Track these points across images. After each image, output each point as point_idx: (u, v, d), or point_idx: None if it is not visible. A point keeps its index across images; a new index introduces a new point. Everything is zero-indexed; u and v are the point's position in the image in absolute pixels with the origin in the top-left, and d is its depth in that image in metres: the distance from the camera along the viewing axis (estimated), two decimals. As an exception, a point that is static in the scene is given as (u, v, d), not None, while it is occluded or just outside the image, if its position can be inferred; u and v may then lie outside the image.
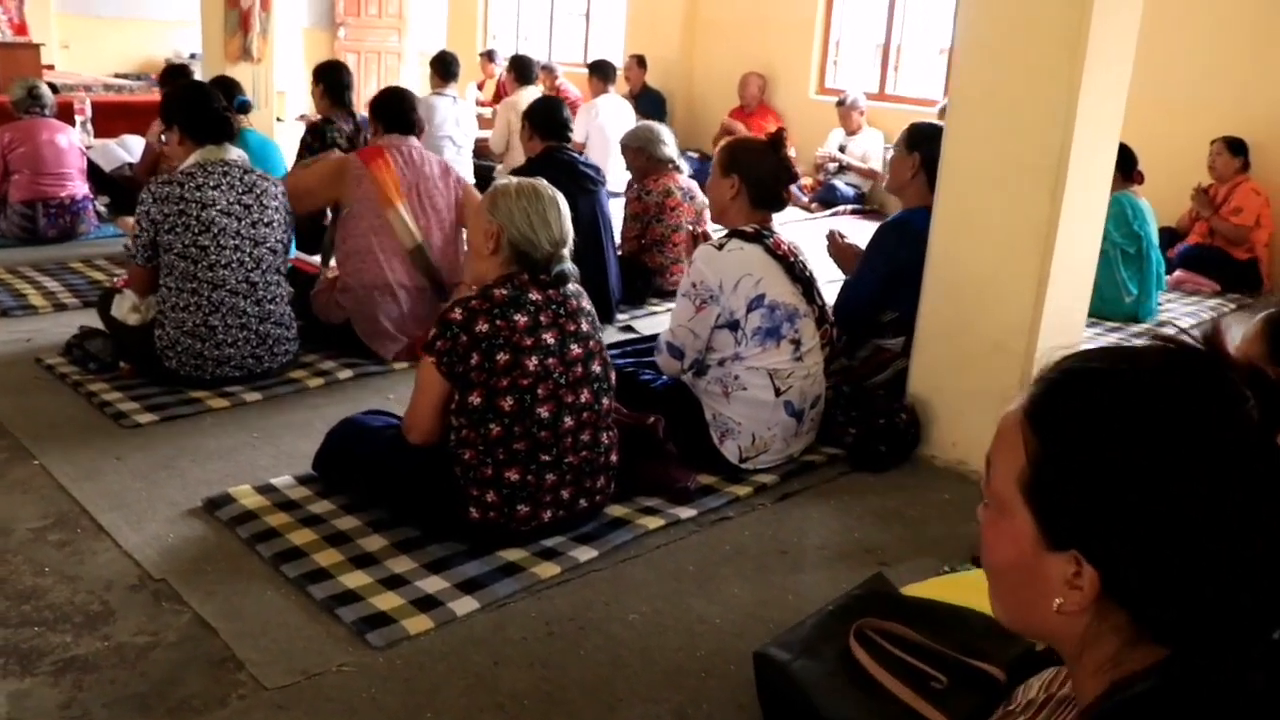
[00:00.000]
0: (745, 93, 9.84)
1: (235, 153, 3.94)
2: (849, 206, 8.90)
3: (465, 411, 2.76)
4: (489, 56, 11.68)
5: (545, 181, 2.94)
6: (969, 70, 3.57)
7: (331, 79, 5.85)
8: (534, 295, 2.81)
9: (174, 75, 6.68)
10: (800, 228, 8.24)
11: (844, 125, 9.06)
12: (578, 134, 8.98)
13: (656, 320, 5.32)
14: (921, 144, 3.94)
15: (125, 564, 2.72)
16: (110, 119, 7.67)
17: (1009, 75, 3.42)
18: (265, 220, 3.90)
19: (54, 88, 6.59)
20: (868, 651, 2.31)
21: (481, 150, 8.40)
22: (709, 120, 10.17)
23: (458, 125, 7.65)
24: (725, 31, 10.37)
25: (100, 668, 2.31)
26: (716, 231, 3.71)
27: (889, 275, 3.87)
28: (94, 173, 6.52)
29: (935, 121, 4.11)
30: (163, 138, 4.13)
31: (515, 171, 4.91)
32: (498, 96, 11.23)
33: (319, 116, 5.92)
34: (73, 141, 6.16)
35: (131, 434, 3.51)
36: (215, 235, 3.77)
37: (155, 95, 8.63)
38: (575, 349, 2.85)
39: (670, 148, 5.58)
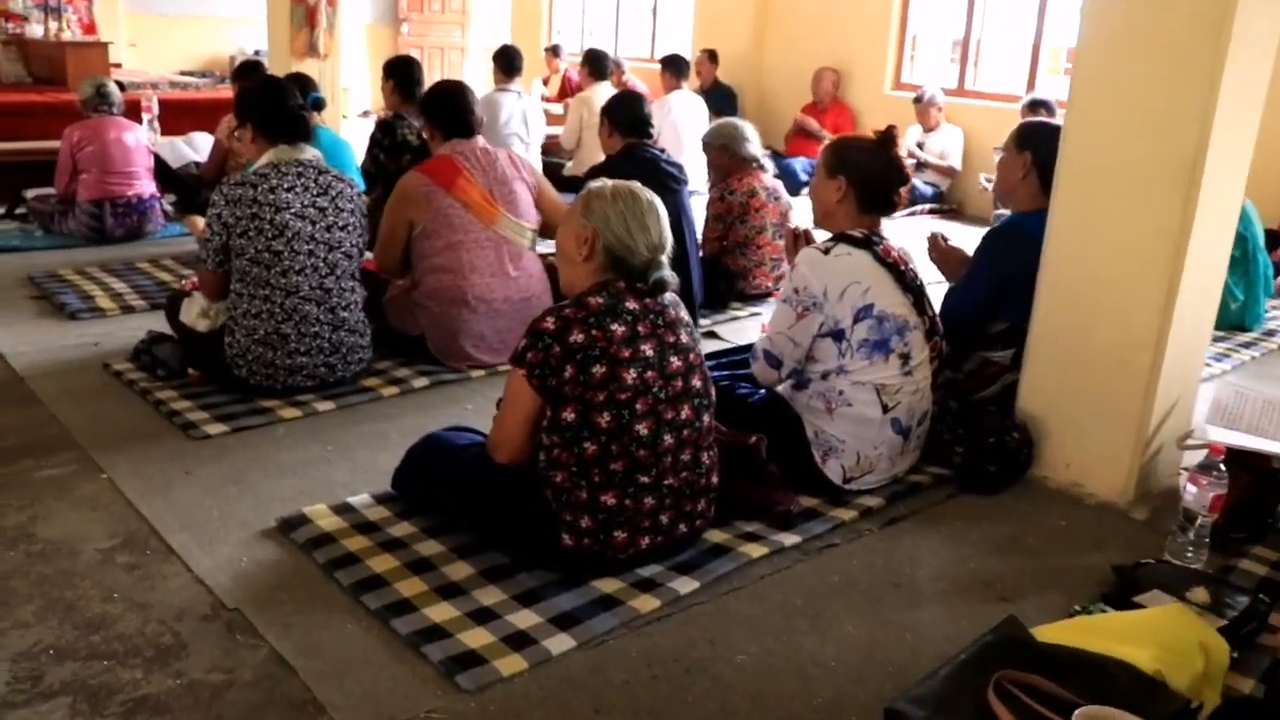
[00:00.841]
0: (819, 88, 9.58)
1: (310, 152, 3.77)
2: (927, 205, 8.63)
3: (558, 429, 2.56)
4: (554, 51, 11.52)
5: (640, 185, 2.73)
6: (1095, 60, 3.29)
7: (402, 74, 5.69)
8: (631, 304, 2.61)
9: (246, 72, 6.54)
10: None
11: (921, 122, 8.77)
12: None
13: (739, 325, 5.10)
14: (1034, 144, 3.68)
15: (197, 591, 2.55)
16: (176, 116, 7.59)
17: (1141, 65, 3.14)
18: (340, 224, 3.73)
19: (121, 86, 6.49)
20: (1008, 707, 2.09)
21: (550, 147, 8.21)
22: (779, 116, 9.93)
23: (524, 122, 7.47)
24: (797, 25, 10.12)
25: (173, 709, 2.14)
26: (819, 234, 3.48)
27: (999, 283, 3.62)
28: (161, 170, 6.41)
29: (1048, 119, 3.84)
30: (235, 135, 3.97)
31: (594, 169, 4.71)
32: (563, 92, 11.07)
33: (389, 113, 5.75)
34: (140, 140, 6.06)
35: (201, 446, 3.36)
36: (289, 240, 3.60)
37: (221, 92, 8.58)
38: (675, 362, 2.64)
39: (754, 145, 5.35)
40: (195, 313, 3.82)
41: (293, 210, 3.61)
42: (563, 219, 2.78)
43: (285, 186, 3.62)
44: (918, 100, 8.70)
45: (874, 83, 9.59)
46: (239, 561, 2.68)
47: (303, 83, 5.38)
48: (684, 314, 2.74)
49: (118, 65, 10.18)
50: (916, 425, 3.30)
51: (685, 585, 2.65)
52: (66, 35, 8.88)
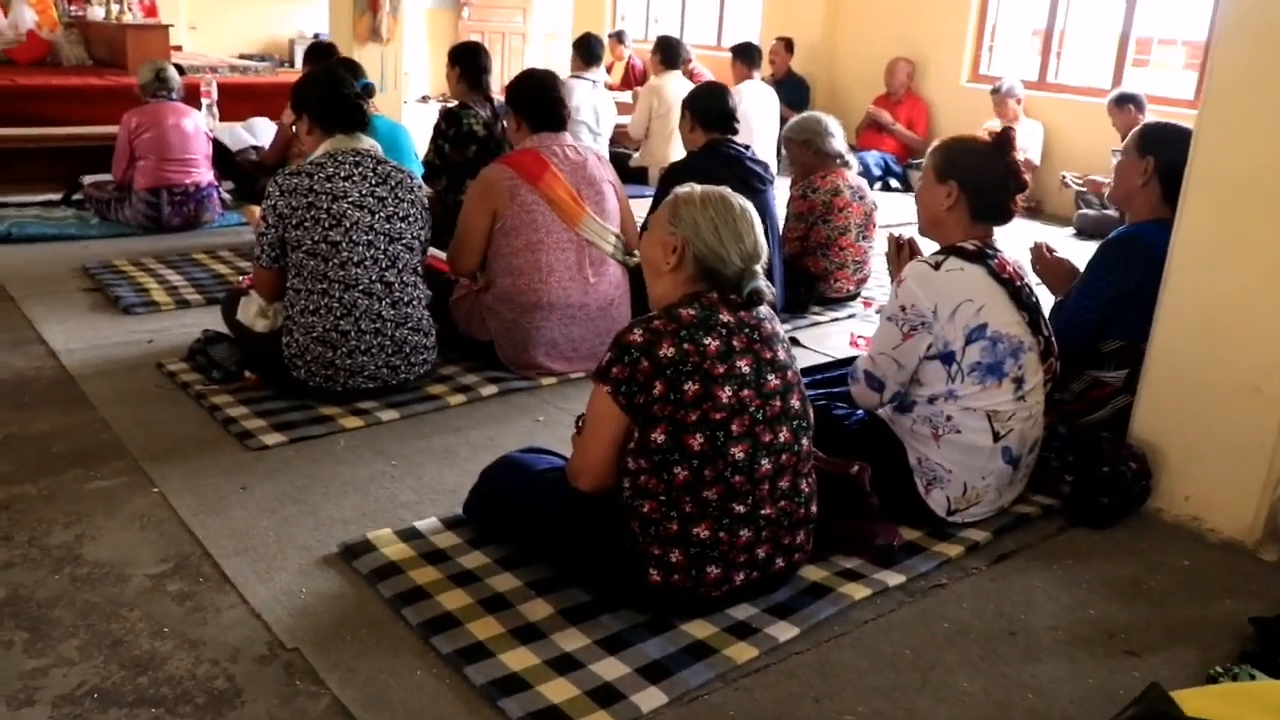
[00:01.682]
0: (892, 79, 9.25)
1: (367, 142, 3.57)
2: (1004, 204, 8.27)
3: (646, 451, 2.32)
4: (618, 38, 11.25)
5: (730, 190, 2.49)
6: (1235, 56, 2.98)
7: (469, 61, 5.47)
8: (725, 316, 2.37)
9: (319, 55, 6.35)
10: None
11: (999, 115, 8.41)
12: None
13: (821, 331, 4.84)
14: (1158, 147, 3.38)
15: (253, 626, 2.34)
16: (236, 101, 7.42)
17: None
18: (401, 214, 3.52)
19: (180, 70, 6.34)
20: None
21: (617, 137, 7.98)
22: (852, 108, 9.60)
23: (595, 112, 7.24)
24: (871, 14, 9.78)
25: (225, 769, 1.93)
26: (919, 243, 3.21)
27: (1115, 299, 3.33)
28: (219, 156, 6.25)
29: (1177, 122, 3.53)
30: (292, 125, 3.78)
31: (674, 167, 4.47)
32: (626, 81, 10.83)
33: (453, 101, 5.54)
34: (199, 126, 5.89)
35: (258, 458, 3.16)
36: (347, 230, 3.39)
37: (281, 77, 8.42)
38: (772, 379, 2.39)
39: (839, 141, 5.07)
40: (253, 312, 3.63)
41: (350, 199, 3.41)
42: (649, 226, 2.55)
43: (342, 175, 3.42)
44: (995, 91, 8.35)
45: (950, 74, 9.24)
46: (298, 593, 2.47)
47: (352, 69, 5.17)
48: (780, 328, 2.50)
49: (178, 48, 10.07)
50: (1027, 454, 3.03)
51: (784, 631, 2.41)
52: (127, 18, 8.75)
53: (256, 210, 5.69)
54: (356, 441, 3.31)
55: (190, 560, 2.59)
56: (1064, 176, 7.92)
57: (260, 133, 6.67)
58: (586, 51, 7.54)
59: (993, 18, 9.15)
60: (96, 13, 8.93)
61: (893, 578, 2.69)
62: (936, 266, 2.88)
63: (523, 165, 3.88)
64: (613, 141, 7.78)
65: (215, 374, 3.65)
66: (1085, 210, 7.77)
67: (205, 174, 5.86)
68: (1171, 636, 2.58)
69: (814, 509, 2.57)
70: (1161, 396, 3.21)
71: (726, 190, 2.47)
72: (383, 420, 3.45)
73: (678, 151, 7.87)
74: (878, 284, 5.38)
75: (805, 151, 5.12)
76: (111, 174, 5.85)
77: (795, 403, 2.46)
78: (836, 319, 4.99)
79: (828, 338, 4.71)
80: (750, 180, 4.40)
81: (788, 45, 9.74)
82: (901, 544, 2.82)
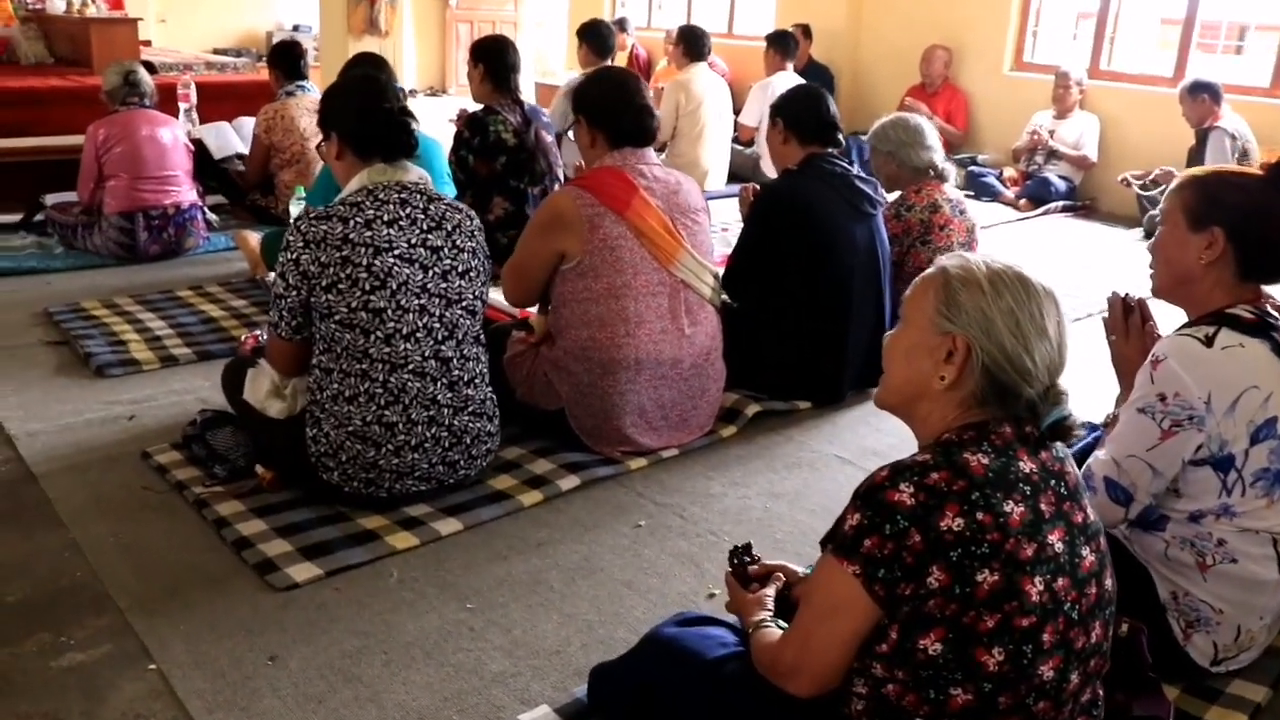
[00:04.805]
0: (929, 69, 8.49)
1: (415, 172, 2.78)
2: (1060, 203, 7.58)
3: (907, 661, 1.56)
4: (620, 25, 10.41)
5: (1023, 265, 1.70)
6: None
7: (495, 59, 4.67)
8: (1026, 464, 1.60)
9: (283, 57, 5.56)
10: (1008, 231, 6.95)
11: (1057, 105, 7.71)
12: (749, 118, 7.77)
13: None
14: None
15: None
16: (214, 101, 6.56)
17: None
18: (460, 268, 2.74)
19: (151, 68, 5.52)
20: None
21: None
22: (876, 99, 8.85)
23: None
24: (899, -3, 9.02)
25: None
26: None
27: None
28: (203, 163, 5.42)
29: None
30: (318, 148, 2.99)
31: (773, 189, 3.68)
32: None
33: (479, 106, 4.75)
34: (178, 137, 5.06)
35: (287, 603, 2.36)
36: (394, 292, 2.62)
37: (263, 74, 7.57)
38: (1087, 556, 1.63)
39: (932, 151, 4.31)
40: (265, 390, 2.84)
41: (397, 252, 2.63)
42: (901, 317, 1.77)
43: (386, 219, 2.64)
44: (1058, 78, 7.63)
45: (991, 62, 8.49)
46: None
47: (380, 69, 4.38)
48: (1075, 469, 1.73)
49: (146, 43, 9.19)
50: (1313, 582, 2.29)
51: None
52: (91, 11, 7.89)
53: (252, 237, 4.92)
54: (414, 570, 2.52)
55: (209, 797, 1.82)
56: (1124, 178, 7.21)
57: (249, 135, 5.82)
58: (598, 41, 6.70)
59: (1037, 0, 8.41)
60: (57, 5, 8.05)
61: (1175, 774, 1.95)
62: (1208, 342, 2.13)
63: (605, 188, 3.11)
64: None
65: (218, 470, 2.86)
66: (1155, 212, 7.07)
67: (187, 193, 5.04)
68: None
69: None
70: None
71: (1019, 266, 1.68)
72: (443, 535, 2.67)
73: (709, 153, 7.13)
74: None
75: (890, 164, 4.36)
76: (77, 194, 5.03)
77: (1109, 582, 1.70)
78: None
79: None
80: (859, 203, 3.64)
81: (805, 32, 8.96)
82: (1173, 720, 2.08)
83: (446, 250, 2.72)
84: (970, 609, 1.52)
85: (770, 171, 7.71)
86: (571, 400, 3.12)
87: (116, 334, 3.95)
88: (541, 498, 2.89)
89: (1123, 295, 2.47)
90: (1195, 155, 6.87)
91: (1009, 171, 7.90)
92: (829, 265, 3.59)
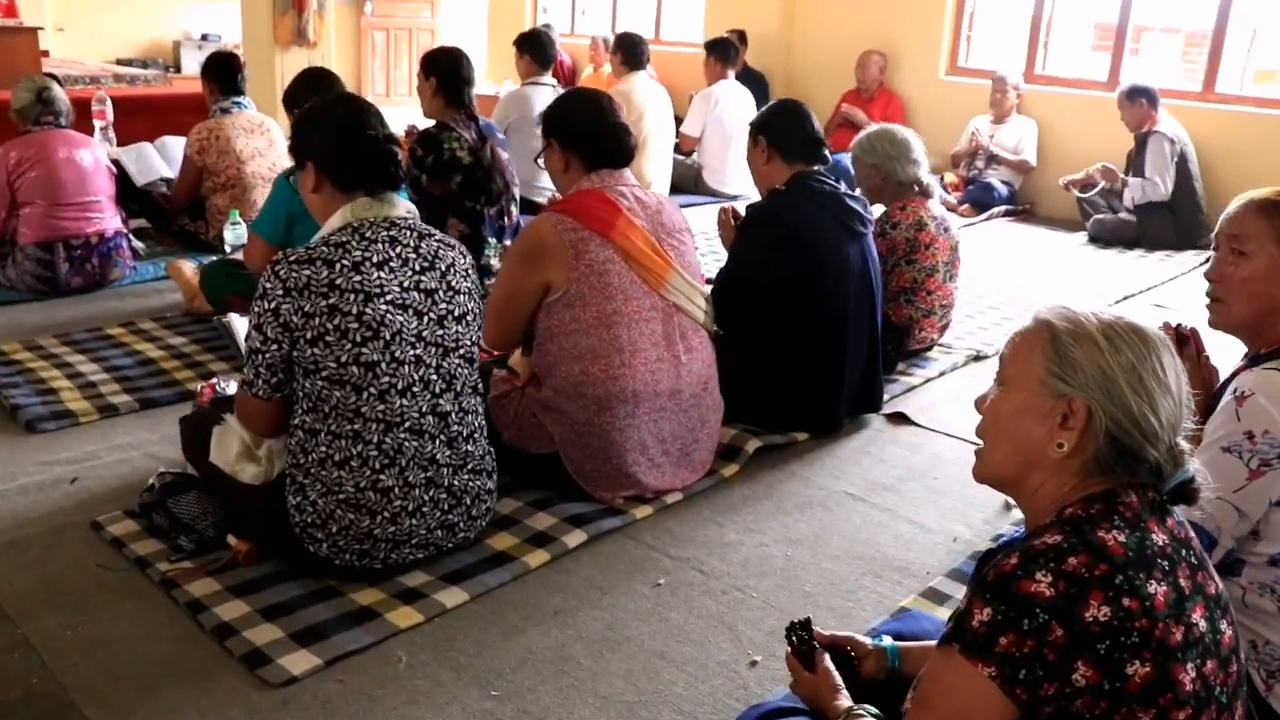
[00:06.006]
0: (864, 74, 8.39)
1: (403, 206, 2.51)
2: (1003, 208, 7.54)
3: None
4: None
5: (1133, 315, 1.52)
6: None
7: (449, 72, 4.37)
8: (1158, 535, 1.41)
9: (219, 68, 5.17)
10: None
11: (994, 110, 7.69)
12: (692, 128, 7.57)
13: (922, 397, 3.92)
14: None
15: None
16: (127, 116, 6.14)
17: None
18: (456, 312, 2.48)
19: (56, 81, 5.10)
20: None
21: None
22: (811, 106, 8.38)
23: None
24: (832, 1, 8.89)
25: None
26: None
27: None
28: (124, 189, 5.02)
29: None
30: (291, 181, 2.70)
31: (760, 210, 3.46)
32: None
33: (432, 122, 4.46)
34: (99, 159, 4.67)
35: (286, 703, 2.07)
36: (388, 343, 2.34)
37: (179, 87, 7.17)
38: (1225, 630, 1.45)
39: (921, 166, 4.16)
40: (234, 452, 2.54)
41: (389, 297, 2.35)
42: (1000, 379, 1.56)
43: (375, 260, 2.36)
44: (995, 83, 7.59)
45: (927, 67, 8.42)
46: None
47: (328, 84, 4.08)
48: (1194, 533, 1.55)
49: (45, 54, 8.66)
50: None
51: None
52: (-17, 20, 7.43)
53: (187, 267, 4.56)
54: (423, 653, 2.25)
55: None
56: (1065, 182, 7.19)
57: (174, 157, 5.43)
58: (539, 51, 6.46)
59: (971, 4, 8.36)
60: (-54, 15, 7.56)
61: None
62: (1299, 377, 1.97)
63: (587, 211, 2.88)
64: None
65: (184, 542, 2.55)
66: (1100, 216, 7.05)
67: (110, 220, 4.66)
68: None
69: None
70: None
71: (1129, 316, 1.50)
72: (448, 607, 2.39)
73: (651, 165, 6.90)
74: (954, 335, 4.52)
75: (874, 177, 4.20)
76: (-13, 224, 4.62)
77: (1243, 656, 1.52)
78: (930, 379, 4.09)
79: (935, 409, 3.80)
80: (851, 222, 3.45)
81: (741, 38, 8.81)
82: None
83: (441, 293, 2.45)
84: (1122, 705, 1.32)
85: (713, 184, 7.61)
86: (566, 442, 2.87)
87: (44, 380, 3.59)
88: (548, 557, 2.63)
89: (1174, 325, 2.31)
90: (1135, 159, 6.88)
91: (950, 177, 7.83)
92: (822, 289, 3.40)
